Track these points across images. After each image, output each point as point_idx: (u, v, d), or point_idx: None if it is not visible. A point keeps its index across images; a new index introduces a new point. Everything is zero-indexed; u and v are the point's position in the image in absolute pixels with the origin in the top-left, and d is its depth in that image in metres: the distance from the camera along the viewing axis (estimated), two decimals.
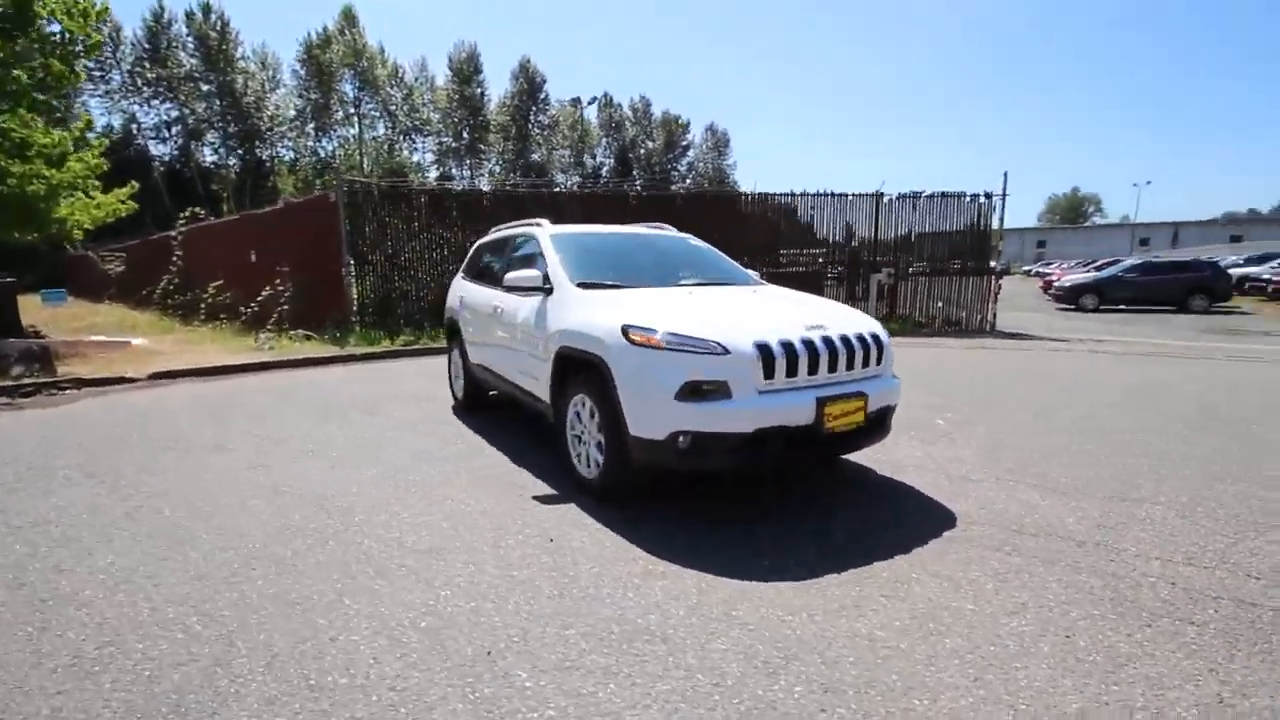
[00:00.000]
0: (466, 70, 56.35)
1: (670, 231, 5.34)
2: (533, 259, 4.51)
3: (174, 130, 45.26)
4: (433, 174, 57.05)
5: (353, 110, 53.28)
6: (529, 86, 59.39)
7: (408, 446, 4.72)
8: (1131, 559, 2.81)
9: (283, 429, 5.34)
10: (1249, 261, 24.79)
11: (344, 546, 3.02)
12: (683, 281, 4.40)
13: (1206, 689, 1.95)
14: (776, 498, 3.59)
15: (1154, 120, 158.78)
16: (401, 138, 56.37)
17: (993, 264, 13.64)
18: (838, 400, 3.15)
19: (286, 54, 73.18)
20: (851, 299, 13.44)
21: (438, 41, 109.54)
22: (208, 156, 47.64)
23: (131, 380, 7.66)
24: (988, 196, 13.37)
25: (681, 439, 3.03)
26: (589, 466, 3.61)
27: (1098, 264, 27.38)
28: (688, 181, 66.58)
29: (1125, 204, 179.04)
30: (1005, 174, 13.33)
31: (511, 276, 4.21)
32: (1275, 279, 19.79)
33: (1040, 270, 38.26)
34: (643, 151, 67.70)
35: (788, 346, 3.11)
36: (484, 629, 2.31)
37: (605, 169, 64.85)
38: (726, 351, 3.03)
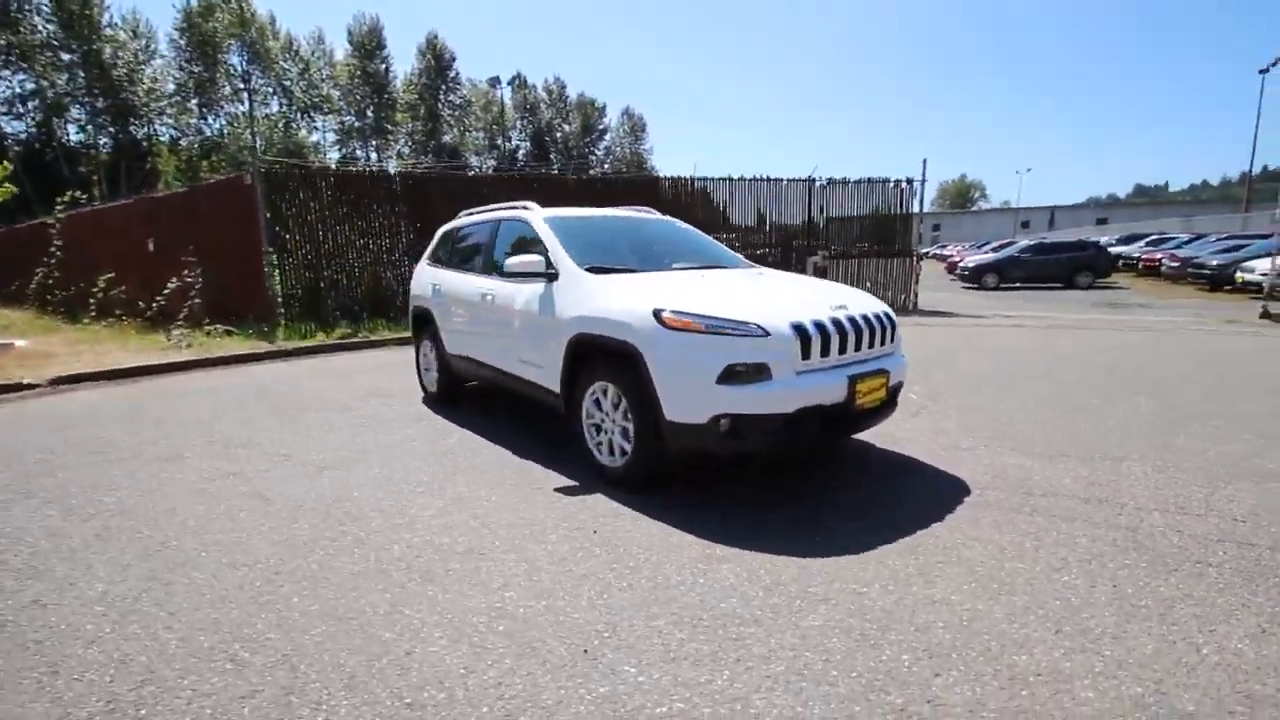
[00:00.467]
0: (369, 45, 53.05)
1: (654, 215, 5.28)
2: (528, 244, 4.32)
3: (30, 105, 39.79)
4: (334, 154, 53.60)
5: (242, 85, 48.92)
6: (437, 64, 56.76)
7: (395, 445, 4.44)
8: (1135, 512, 3.08)
9: (241, 433, 4.89)
10: (1120, 241, 27.61)
11: (374, 553, 2.81)
12: (678, 265, 4.36)
13: (1247, 622, 2.18)
14: (798, 478, 3.66)
15: (1031, 114, 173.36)
16: (299, 116, 52.43)
17: (914, 246, 14.48)
18: (866, 378, 3.24)
19: (162, 21, 66.14)
20: None
21: (335, 14, 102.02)
22: (73, 135, 42.32)
23: (30, 387, 6.77)
24: (909, 182, 14.14)
25: (723, 422, 3.02)
26: (612, 455, 3.53)
27: (993, 245, 29.63)
28: (606, 166, 66.22)
29: (1006, 190, 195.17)
30: (924, 160, 14.20)
31: (512, 262, 4.02)
32: (1145, 257, 22.20)
33: (938, 252, 40.92)
34: (559, 135, 66.59)
35: (820, 327, 3.16)
36: (568, 627, 2.22)
37: (521, 152, 63.34)
38: (767, 333, 3.04)
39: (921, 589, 2.42)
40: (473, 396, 5.61)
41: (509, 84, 57.87)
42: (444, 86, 57.80)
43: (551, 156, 62.61)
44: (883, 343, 3.51)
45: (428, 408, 5.50)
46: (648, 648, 2.09)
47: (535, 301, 4.03)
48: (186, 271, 10.46)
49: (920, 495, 3.35)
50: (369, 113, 54.16)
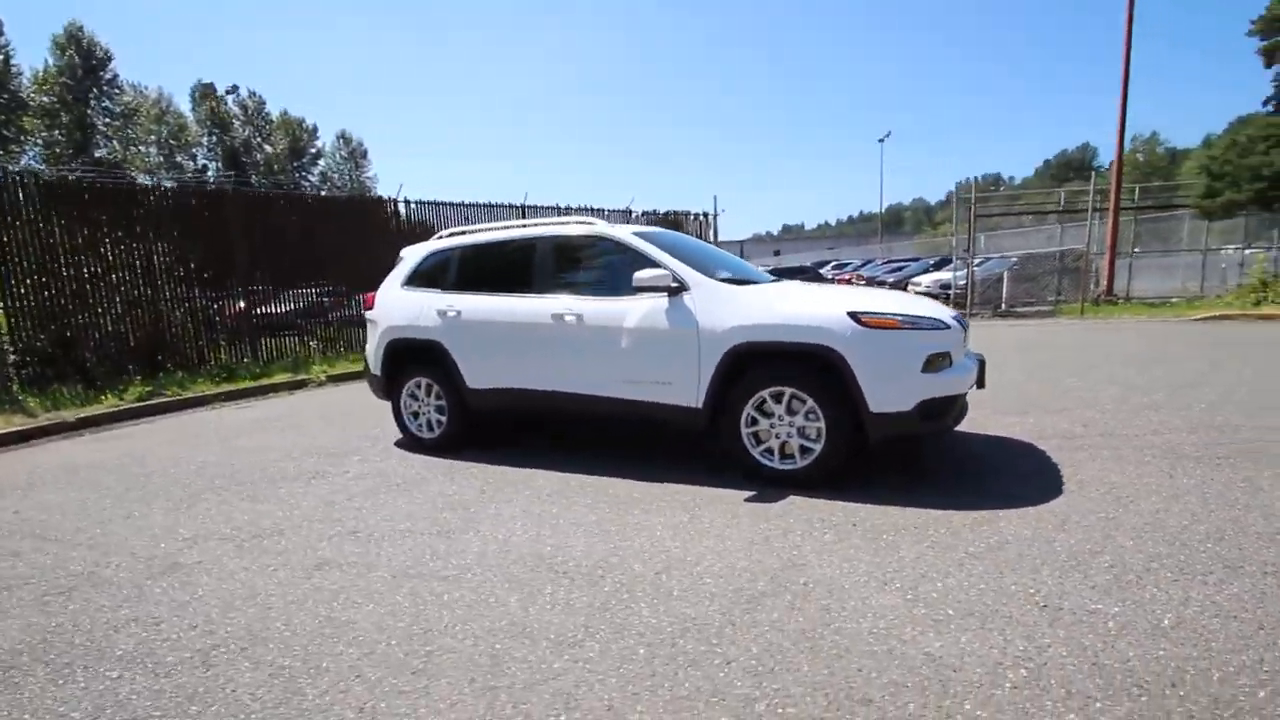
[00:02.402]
0: None
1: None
2: (622, 259, 4.14)
3: None
4: None
5: None
6: (84, 63, 44.92)
7: (507, 501, 3.80)
8: (1192, 443, 4.30)
9: (250, 522, 3.63)
10: (813, 265, 34.80)
11: (629, 621, 2.50)
12: (723, 275, 4.48)
13: None
14: (916, 458, 4.21)
15: (719, 157, 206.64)
16: None
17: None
18: (979, 365, 3.95)
19: None
20: None
21: None
22: None
23: None
24: (707, 215, 16.08)
25: (926, 406, 3.42)
26: (789, 459, 3.64)
27: None
28: (322, 193, 59.56)
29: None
30: (715, 197, 16.39)
31: (642, 276, 3.81)
32: (838, 276, 28.45)
33: None
34: (260, 156, 57.90)
35: (960, 321, 3.77)
36: (943, 635, 2.39)
37: (211, 172, 53.41)
38: (947, 326, 3.53)
39: (1141, 517, 3.14)
40: (489, 434, 4.95)
41: (191, 94, 48.55)
42: (96, 90, 45.95)
43: (254, 179, 54.03)
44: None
45: (441, 457, 4.70)
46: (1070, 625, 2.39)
47: (660, 317, 3.89)
48: None
49: (1036, 455, 4.17)
50: None
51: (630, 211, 14.96)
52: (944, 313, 3.74)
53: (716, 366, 3.72)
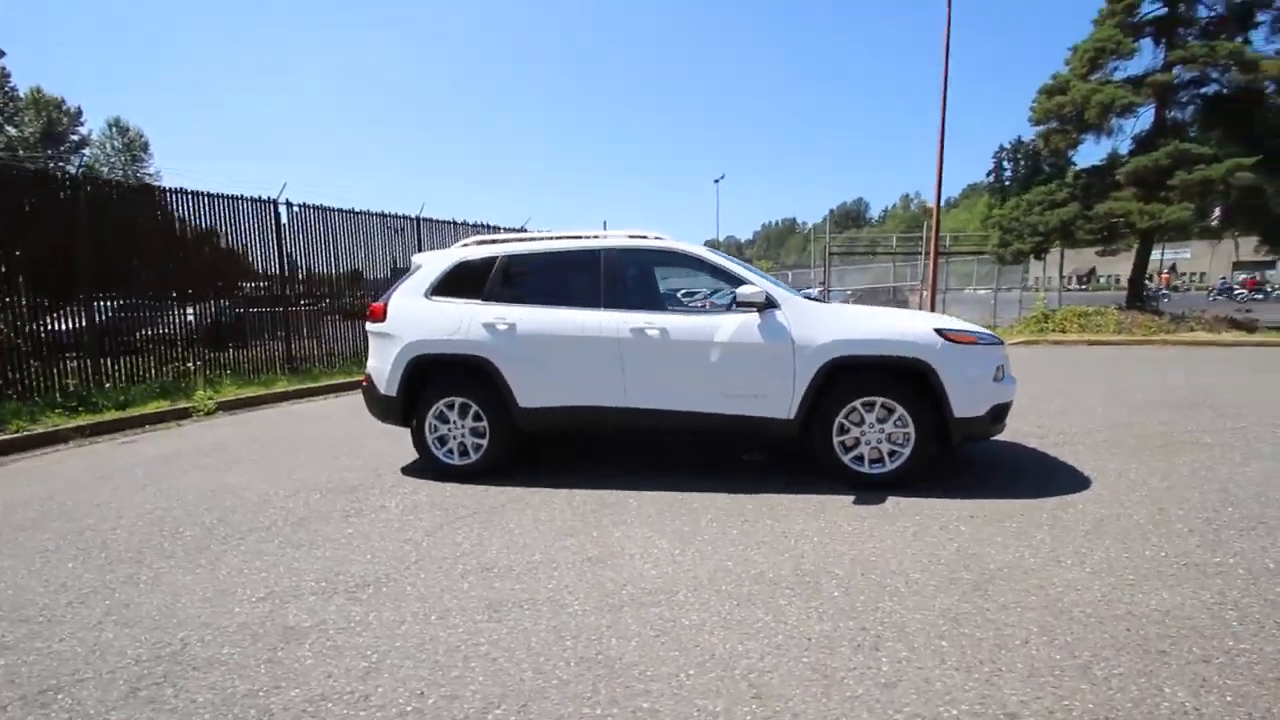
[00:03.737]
0: None
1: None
2: (716, 276, 4.27)
3: None
4: None
5: None
6: None
7: (620, 523, 3.58)
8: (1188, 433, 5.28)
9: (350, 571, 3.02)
10: None
11: (898, 618, 2.68)
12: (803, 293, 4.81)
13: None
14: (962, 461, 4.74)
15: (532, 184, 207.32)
16: None
17: None
18: None
19: None
20: None
21: None
22: None
23: None
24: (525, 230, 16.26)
25: (995, 411, 3.92)
26: (879, 462, 3.93)
27: None
28: (88, 189, 49.52)
29: None
30: (604, 222, 16.50)
31: (745, 292, 3.90)
32: None
33: None
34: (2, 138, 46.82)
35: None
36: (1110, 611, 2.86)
37: None
38: (1002, 342, 4.09)
39: (1205, 494, 3.89)
40: (527, 455, 4.60)
41: None
42: None
43: None
44: None
45: (476, 483, 4.28)
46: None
47: (754, 332, 3.99)
48: None
49: (1072, 444, 4.88)
50: None
51: (525, 229, 14.65)
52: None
53: (812, 379, 3.92)
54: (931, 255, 18.07)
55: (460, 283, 4.52)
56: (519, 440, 4.43)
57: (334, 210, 11.05)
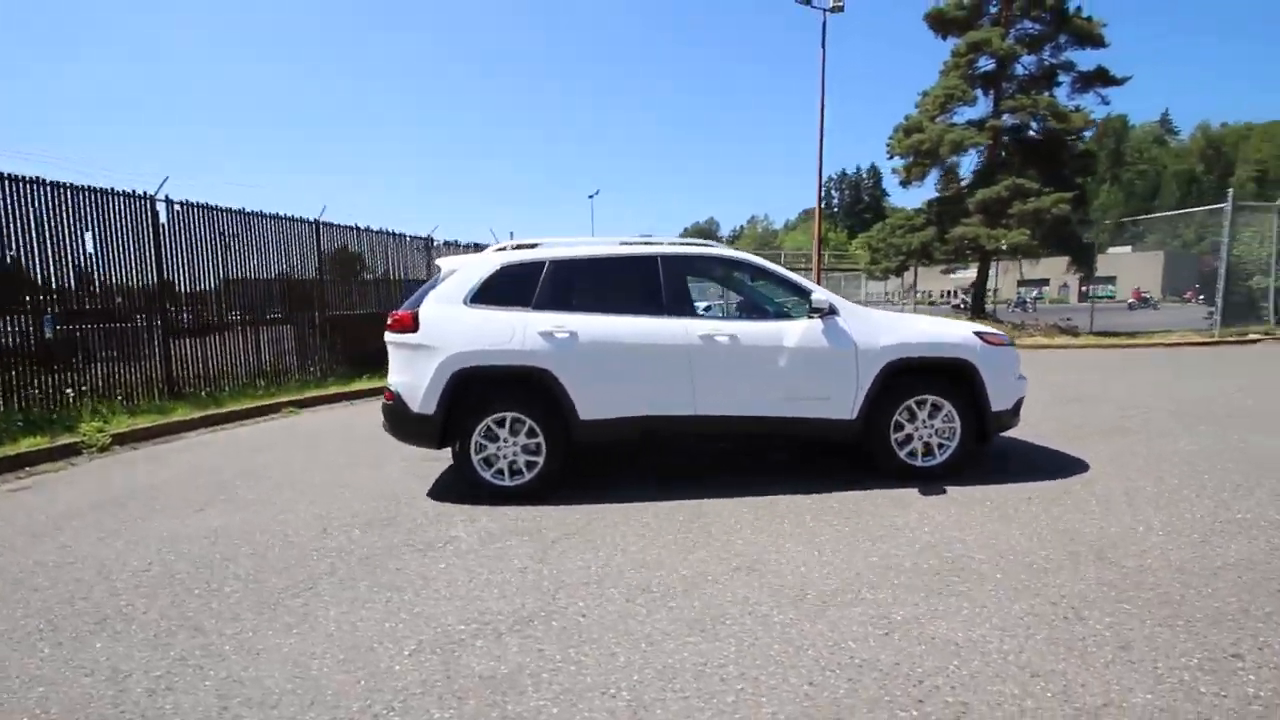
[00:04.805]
0: None
1: None
2: (775, 283, 4.37)
3: None
4: None
5: None
6: None
7: (734, 531, 3.50)
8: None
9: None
10: None
11: (1084, 591, 2.96)
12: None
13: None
14: None
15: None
16: None
17: None
18: None
19: None
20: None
21: None
22: None
23: None
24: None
25: (1017, 404, 4.41)
26: (929, 455, 4.25)
27: None
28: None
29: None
30: (511, 233, 16.02)
31: (820, 299, 4.04)
32: None
33: None
34: None
35: None
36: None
37: None
38: (1014, 344, 4.61)
39: (1222, 465, 4.60)
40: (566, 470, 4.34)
41: None
42: None
43: None
44: None
45: (528, 504, 4.00)
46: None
47: (819, 337, 4.13)
48: None
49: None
50: None
51: (432, 240, 13.80)
52: None
53: (872, 381, 4.15)
54: (815, 270, 19.69)
55: (505, 290, 4.20)
56: (572, 452, 4.19)
57: (223, 210, 9.66)
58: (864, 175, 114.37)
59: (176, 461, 5.72)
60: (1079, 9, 17.35)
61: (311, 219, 11.22)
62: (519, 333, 4.06)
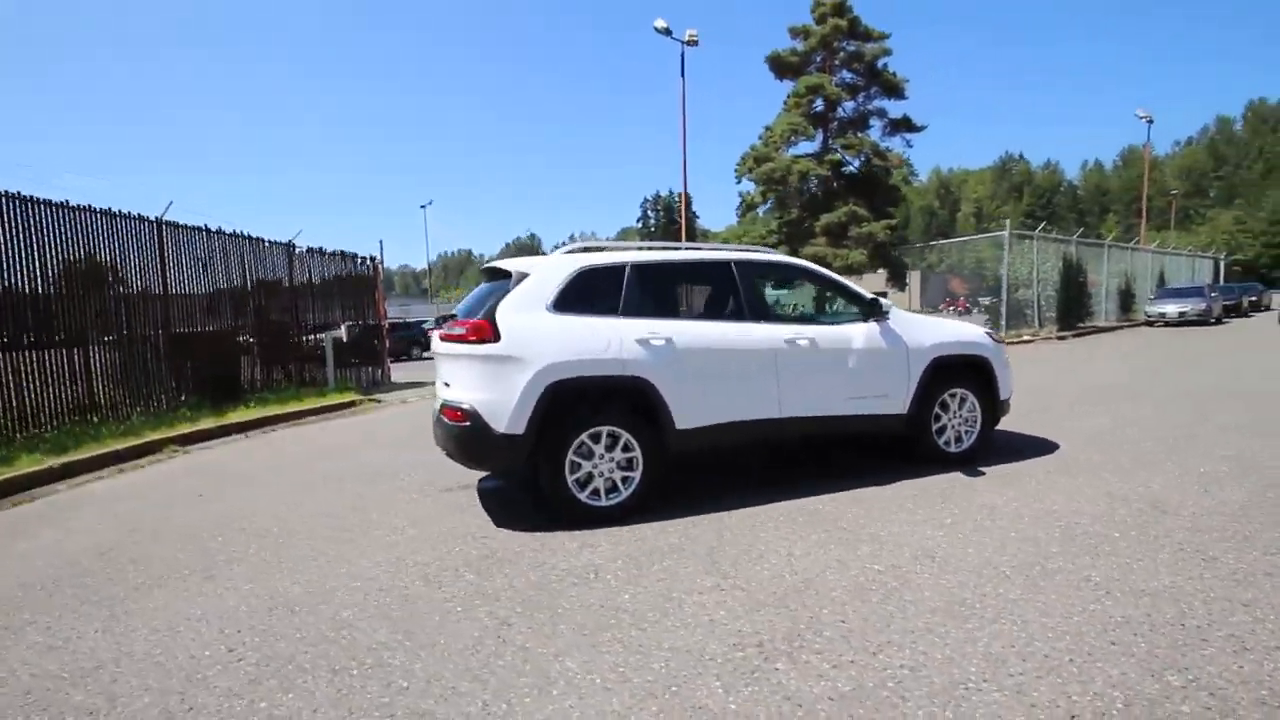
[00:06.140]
0: None
1: None
2: (830, 288, 4.57)
3: None
4: None
5: None
6: None
7: (874, 540, 3.59)
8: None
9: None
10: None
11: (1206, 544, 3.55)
12: None
13: None
14: None
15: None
16: None
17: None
18: None
19: None
20: (299, 363, 11.54)
21: None
22: None
23: None
24: (374, 259, 14.29)
25: (1009, 394, 5.14)
26: (959, 442, 4.77)
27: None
28: None
29: None
30: (381, 242, 14.62)
31: (885, 303, 4.32)
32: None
33: None
34: None
35: None
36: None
37: None
38: (1002, 342, 5.36)
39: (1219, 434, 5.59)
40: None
41: None
42: None
43: None
44: None
45: (618, 525, 3.77)
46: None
47: (879, 338, 4.45)
48: None
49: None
50: None
51: (294, 246, 12.05)
52: None
53: (920, 377, 4.57)
54: None
55: (587, 295, 3.92)
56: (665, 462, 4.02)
57: (39, 202, 7.54)
58: (675, 198, 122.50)
59: (103, 514, 4.37)
60: (885, 64, 20.55)
61: (153, 216, 9.22)
62: (615, 341, 3.81)
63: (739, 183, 21.89)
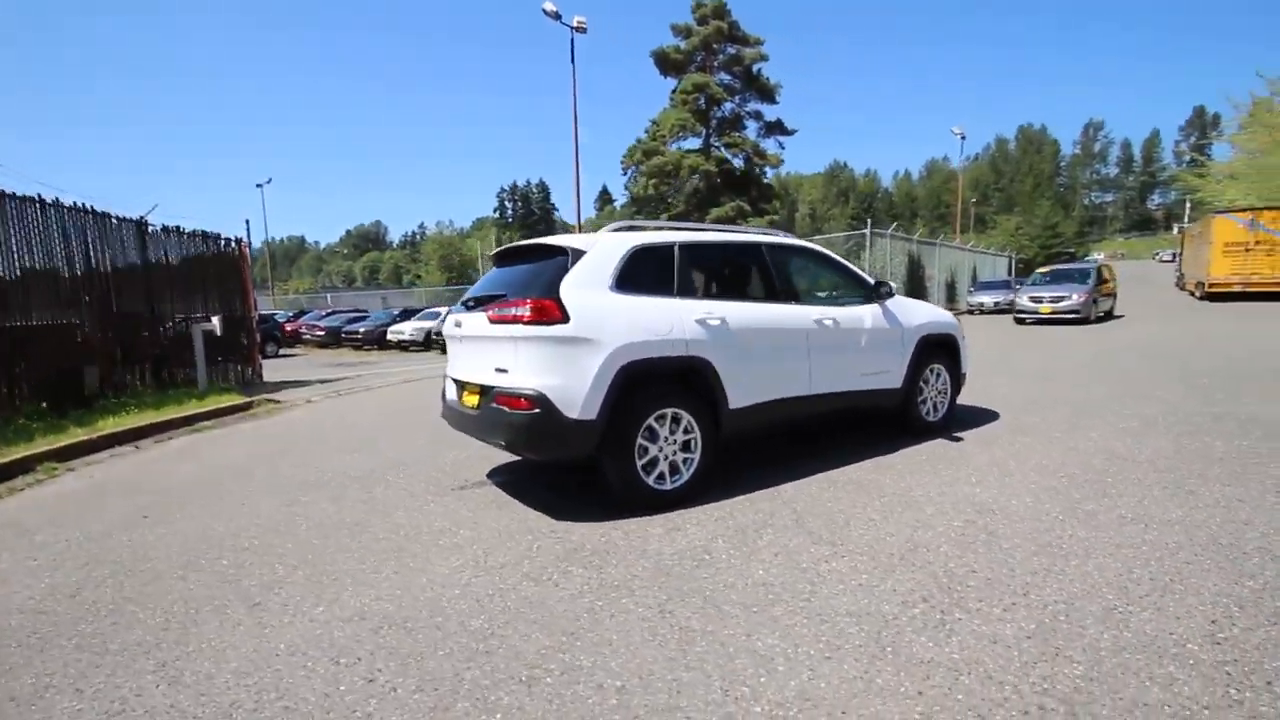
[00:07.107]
0: None
1: None
2: (827, 272, 4.92)
3: None
4: None
5: None
6: None
7: (944, 494, 3.87)
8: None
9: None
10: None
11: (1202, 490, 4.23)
12: None
13: None
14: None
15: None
16: None
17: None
18: None
19: None
20: (157, 361, 9.83)
21: None
22: None
23: None
24: (240, 240, 12.53)
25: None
26: (935, 414, 5.32)
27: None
28: None
29: None
30: (247, 221, 12.87)
31: (891, 286, 4.63)
32: (290, 327, 25.16)
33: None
34: None
35: None
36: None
37: None
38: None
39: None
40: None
41: None
42: None
43: None
44: None
45: (679, 509, 3.79)
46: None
47: (882, 319, 4.81)
48: None
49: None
50: None
51: (146, 223, 10.19)
52: None
53: (913, 354, 5.03)
54: None
55: (643, 274, 3.82)
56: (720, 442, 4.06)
57: None
58: (534, 189, 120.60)
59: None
60: (760, 70, 21.84)
61: None
62: (678, 322, 3.76)
63: (624, 174, 22.19)
